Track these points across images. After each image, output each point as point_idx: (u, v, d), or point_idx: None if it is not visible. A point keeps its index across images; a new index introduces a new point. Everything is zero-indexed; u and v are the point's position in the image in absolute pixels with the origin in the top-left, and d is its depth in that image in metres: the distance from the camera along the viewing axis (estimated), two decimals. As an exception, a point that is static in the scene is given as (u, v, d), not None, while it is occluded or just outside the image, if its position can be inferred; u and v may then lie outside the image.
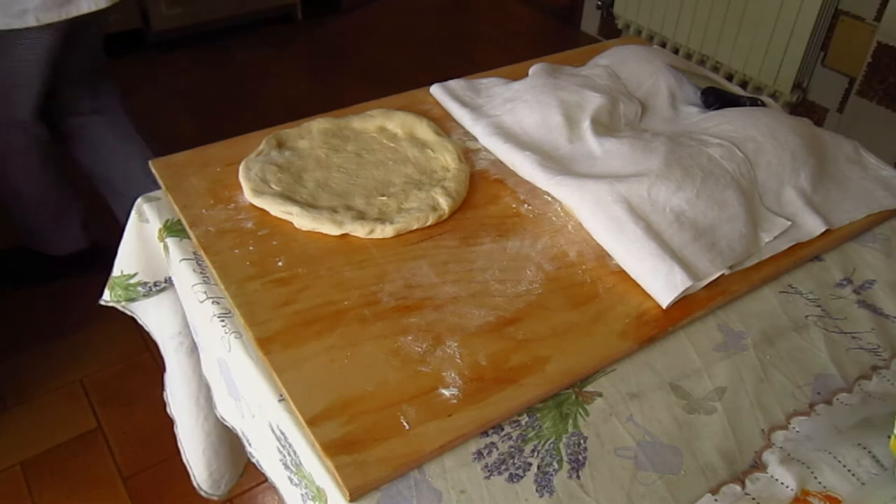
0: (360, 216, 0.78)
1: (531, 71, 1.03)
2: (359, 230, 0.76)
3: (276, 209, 0.78)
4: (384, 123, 0.92)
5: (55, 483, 1.42)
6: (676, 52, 2.63)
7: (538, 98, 0.93)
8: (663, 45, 2.67)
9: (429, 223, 0.78)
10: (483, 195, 0.84)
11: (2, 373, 1.60)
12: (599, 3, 3.08)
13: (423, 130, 0.92)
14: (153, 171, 0.84)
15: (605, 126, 0.92)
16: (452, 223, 0.80)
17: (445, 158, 0.87)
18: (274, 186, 0.80)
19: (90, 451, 1.48)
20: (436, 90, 1.02)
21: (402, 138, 0.91)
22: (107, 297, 0.91)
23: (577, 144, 0.89)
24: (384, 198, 0.81)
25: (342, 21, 3.17)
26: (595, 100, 0.93)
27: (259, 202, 0.79)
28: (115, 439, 1.50)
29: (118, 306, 0.92)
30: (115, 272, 0.89)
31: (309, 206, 0.78)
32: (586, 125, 0.90)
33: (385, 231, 0.76)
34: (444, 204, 0.80)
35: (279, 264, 0.73)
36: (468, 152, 0.90)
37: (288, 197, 0.79)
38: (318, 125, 0.91)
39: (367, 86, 2.63)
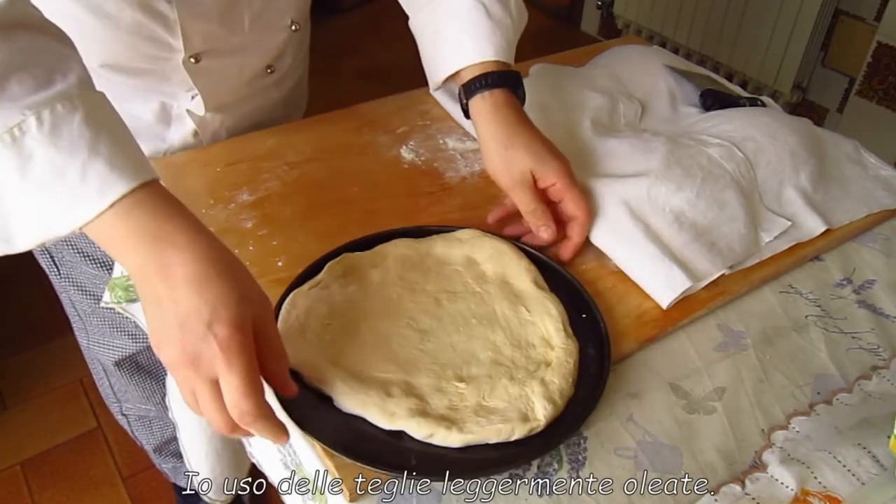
0: (421, 408, 0.57)
1: (531, 71, 1.03)
2: (414, 430, 0.56)
3: (311, 374, 0.59)
4: (472, 253, 0.72)
5: (55, 483, 1.42)
6: (676, 52, 2.63)
7: (538, 98, 0.93)
8: (663, 45, 2.67)
9: (513, 437, 0.57)
10: (483, 195, 0.84)
11: (2, 373, 1.60)
12: (599, 3, 3.08)
13: (520, 277, 0.70)
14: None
15: (605, 126, 0.92)
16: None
17: (545, 326, 0.65)
18: (312, 338, 0.62)
19: (90, 451, 1.48)
20: (436, 90, 1.01)
21: (492, 281, 0.70)
22: (107, 299, 0.91)
23: (576, 144, 0.89)
24: (461, 384, 0.60)
25: (342, 21, 3.17)
26: (595, 100, 0.93)
27: (290, 356, 0.57)
28: (115, 439, 1.50)
29: (118, 308, 0.92)
30: (116, 273, 0.89)
31: (355, 375, 0.59)
32: (586, 125, 0.90)
33: (449, 439, 0.56)
34: (541, 413, 0.58)
35: (279, 264, 0.73)
36: (469, 153, 0.90)
37: (329, 361, 0.60)
38: (395, 249, 0.72)
39: (367, 86, 2.63)
